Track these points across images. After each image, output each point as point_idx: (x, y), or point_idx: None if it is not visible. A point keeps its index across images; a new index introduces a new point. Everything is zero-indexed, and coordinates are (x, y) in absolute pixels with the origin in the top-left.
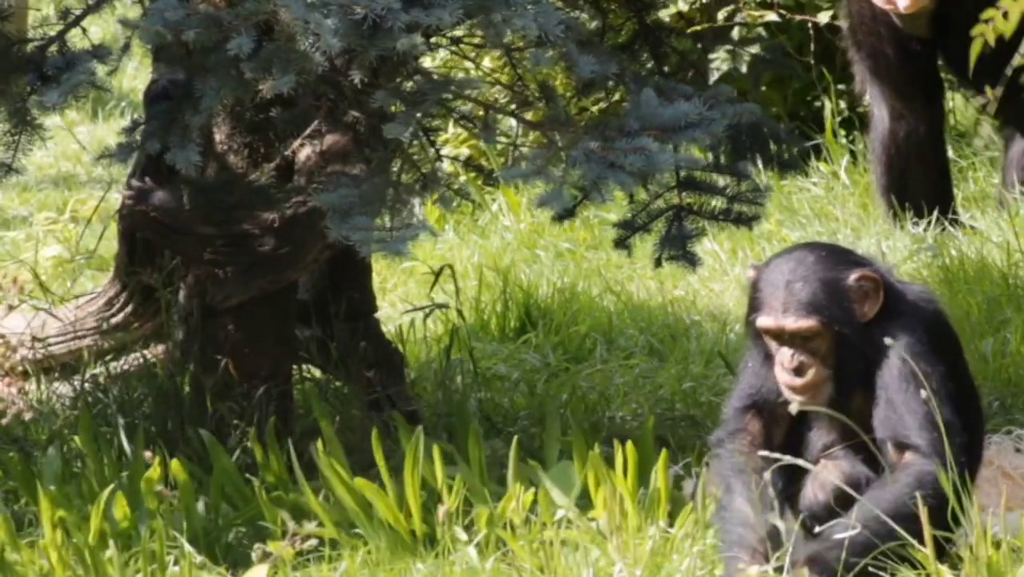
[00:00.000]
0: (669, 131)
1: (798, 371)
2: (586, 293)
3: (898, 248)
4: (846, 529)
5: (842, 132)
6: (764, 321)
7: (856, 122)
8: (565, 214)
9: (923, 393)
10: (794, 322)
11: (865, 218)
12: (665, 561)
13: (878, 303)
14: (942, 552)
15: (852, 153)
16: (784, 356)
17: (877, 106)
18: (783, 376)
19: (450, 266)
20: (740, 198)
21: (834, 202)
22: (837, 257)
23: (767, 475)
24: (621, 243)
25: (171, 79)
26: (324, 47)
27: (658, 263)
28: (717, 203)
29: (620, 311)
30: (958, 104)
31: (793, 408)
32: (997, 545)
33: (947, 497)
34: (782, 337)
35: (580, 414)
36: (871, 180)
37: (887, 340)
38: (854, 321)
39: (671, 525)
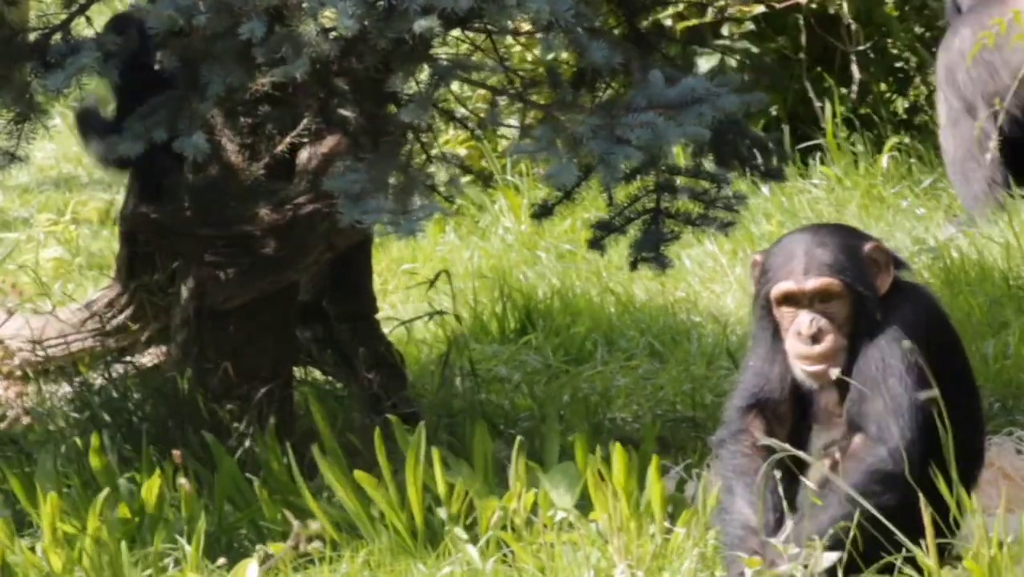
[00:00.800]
0: (676, 108)
1: (815, 338)
2: (586, 294)
3: (898, 249)
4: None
5: (843, 133)
6: (783, 285)
7: (856, 124)
8: (544, 212)
9: (895, 382)
10: (816, 280)
11: (866, 219)
12: (666, 563)
13: (889, 278)
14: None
15: (853, 154)
16: (802, 322)
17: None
18: (798, 346)
19: (447, 271)
20: (717, 204)
21: (835, 203)
22: (850, 231)
23: (774, 475)
24: (596, 243)
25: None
26: (340, 28)
27: (634, 265)
28: (695, 208)
29: (620, 312)
30: None
31: (804, 380)
32: (999, 546)
33: (902, 484)
34: (801, 301)
35: (581, 416)
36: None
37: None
38: (873, 291)
39: (671, 526)
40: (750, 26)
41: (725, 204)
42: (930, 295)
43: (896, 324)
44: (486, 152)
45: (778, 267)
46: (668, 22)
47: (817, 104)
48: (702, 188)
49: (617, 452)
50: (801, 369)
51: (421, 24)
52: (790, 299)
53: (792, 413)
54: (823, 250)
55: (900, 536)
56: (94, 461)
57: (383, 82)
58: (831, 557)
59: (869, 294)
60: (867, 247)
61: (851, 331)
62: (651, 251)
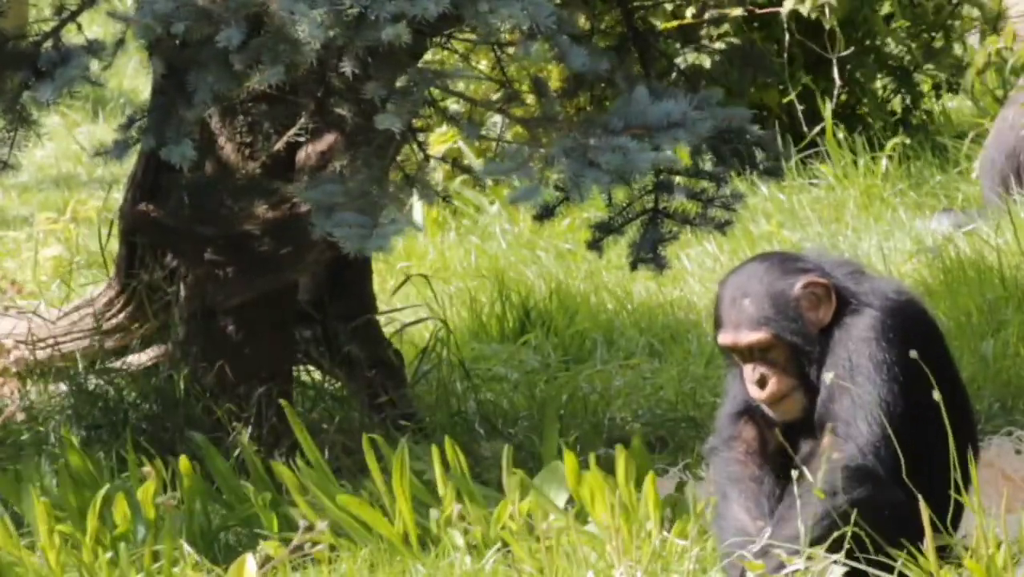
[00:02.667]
0: (653, 130)
1: (761, 383)
2: (585, 294)
3: (898, 249)
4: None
5: (842, 132)
6: (722, 338)
7: (853, 124)
8: (546, 213)
9: (862, 380)
10: (746, 336)
11: (865, 219)
12: (665, 563)
13: (831, 307)
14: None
15: (852, 154)
16: (747, 370)
17: None
18: (750, 389)
19: (424, 276)
20: (715, 203)
21: (834, 203)
22: (785, 267)
23: (768, 480)
24: (594, 244)
25: None
26: (306, 37)
27: (633, 266)
28: (693, 207)
29: (620, 312)
30: (952, 105)
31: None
32: (997, 546)
33: (874, 480)
34: (740, 352)
35: (580, 415)
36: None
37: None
38: (806, 329)
39: (669, 529)
40: (726, 27)
41: (723, 203)
42: (890, 300)
43: (860, 329)
44: (467, 148)
45: (720, 312)
46: (658, 23)
47: (800, 106)
48: (701, 187)
49: (618, 452)
50: (765, 410)
51: (389, 32)
52: (728, 349)
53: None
54: (749, 301)
55: (869, 535)
56: (91, 461)
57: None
58: (837, 572)
59: (799, 340)
60: (797, 287)
61: (798, 369)
62: (649, 252)
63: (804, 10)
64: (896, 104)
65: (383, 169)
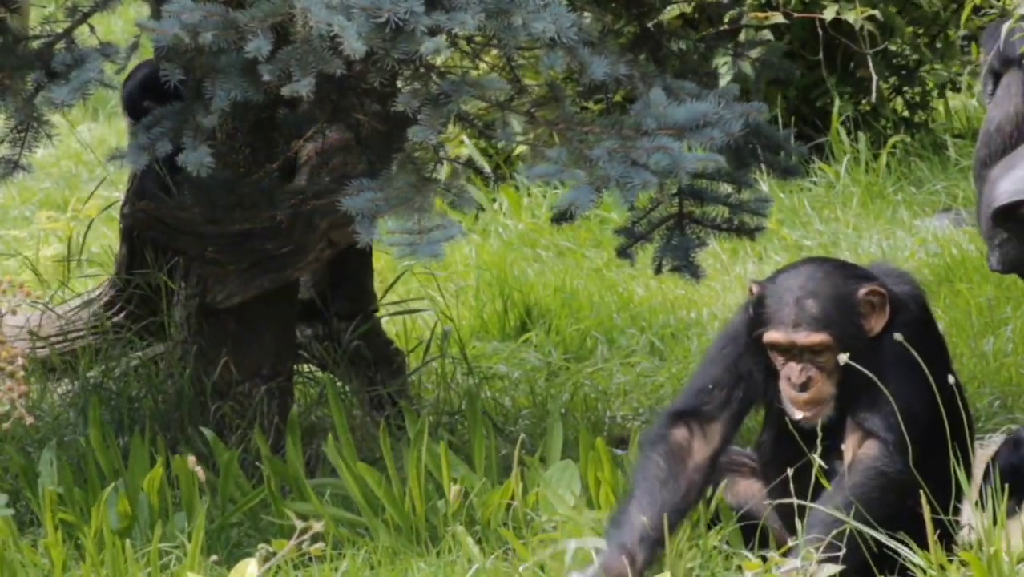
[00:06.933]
0: (685, 130)
1: (804, 386)
2: (586, 292)
3: (899, 247)
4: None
5: (844, 131)
6: (774, 335)
7: (859, 122)
8: (564, 217)
9: (900, 390)
10: (806, 337)
11: (866, 217)
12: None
13: (885, 316)
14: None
15: (855, 152)
16: (792, 371)
17: None
18: (788, 391)
19: (434, 271)
20: (743, 207)
21: (835, 201)
22: (845, 272)
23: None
24: (623, 252)
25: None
26: (348, 50)
27: (658, 270)
28: (719, 212)
29: (621, 310)
30: (955, 105)
31: (797, 420)
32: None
33: (905, 485)
34: (792, 352)
35: (581, 413)
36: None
37: (896, 336)
38: (863, 335)
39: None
40: (768, 35)
41: (750, 207)
42: (915, 306)
43: (893, 339)
44: (486, 149)
45: (771, 310)
46: (667, 24)
47: (838, 103)
48: (725, 192)
49: (633, 435)
50: (792, 411)
51: (428, 46)
52: (780, 348)
53: (723, 433)
54: (814, 301)
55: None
56: (103, 456)
57: (390, 96)
58: (829, 569)
59: (858, 344)
60: (861, 292)
61: (843, 376)
62: (681, 259)
63: (851, 18)
64: (898, 104)
65: (421, 175)
